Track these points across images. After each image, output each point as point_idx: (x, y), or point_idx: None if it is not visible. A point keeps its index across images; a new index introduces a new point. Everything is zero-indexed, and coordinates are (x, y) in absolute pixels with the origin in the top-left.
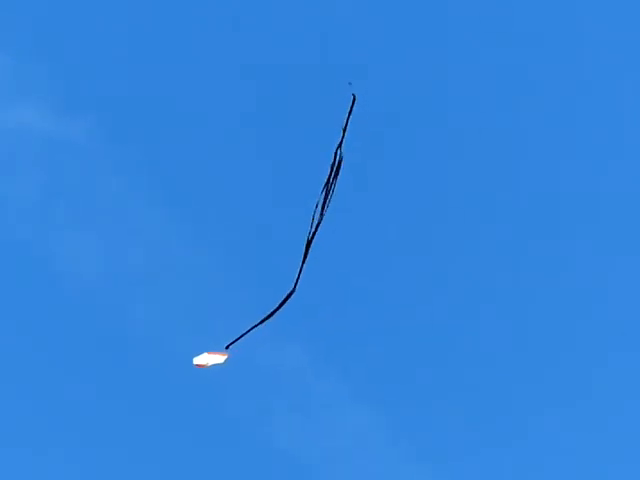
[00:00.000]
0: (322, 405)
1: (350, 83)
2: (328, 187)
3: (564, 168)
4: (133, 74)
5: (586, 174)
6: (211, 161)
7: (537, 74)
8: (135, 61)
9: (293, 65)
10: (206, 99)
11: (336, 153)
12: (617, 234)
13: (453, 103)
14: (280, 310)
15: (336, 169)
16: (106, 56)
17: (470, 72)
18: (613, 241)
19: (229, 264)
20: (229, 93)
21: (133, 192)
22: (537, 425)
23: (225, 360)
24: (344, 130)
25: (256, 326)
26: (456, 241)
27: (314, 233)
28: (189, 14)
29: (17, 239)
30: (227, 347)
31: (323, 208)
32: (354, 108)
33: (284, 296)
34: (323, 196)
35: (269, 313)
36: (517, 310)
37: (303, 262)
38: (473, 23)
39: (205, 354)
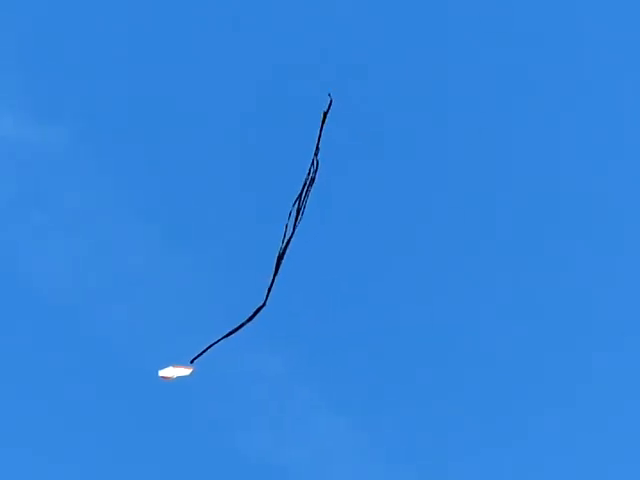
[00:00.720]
0: (301, 413)
1: (329, 94)
2: (300, 201)
3: (564, 167)
4: (117, 79)
5: (587, 174)
6: (194, 167)
7: (537, 74)
8: (119, 65)
9: (289, 66)
10: (193, 105)
11: (310, 170)
12: (617, 234)
13: (452, 104)
14: (248, 323)
15: (309, 183)
16: (87, 62)
17: (471, 73)
18: (613, 241)
19: (202, 276)
20: (222, 96)
21: (112, 200)
22: (537, 425)
23: (191, 373)
24: (317, 146)
25: (222, 339)
26: (441, 245)
27: (286, 246)
28: (178, 15)
29: None
30: (192, 361)
31: (296, 220)
32: (326, 123)
33: (254, 309)
34: (296, 208)
35: (237, 326)
36: (515, 310)
37: (274, 275)
38: (473, 23)
39: (170, 367)
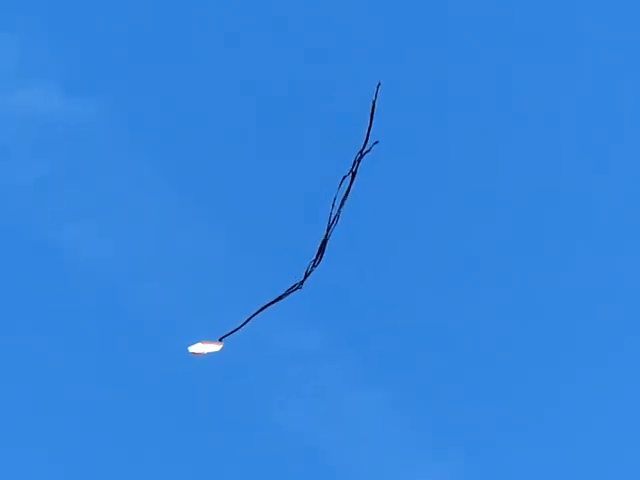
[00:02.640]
0: (337, 391)
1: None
2: (353, 175)
3: (564, 168)
4: (144, 56)
5: (587, 174)
6: (224, 152)
7: (538, 75)
8: (145, 43)
9: (294, 71)
10: (222, 86)
11: (361, 151)
12: (617, 234)
13: (453, 105)
14: (280, 301)
15: (357, 165)
16: (116, 36)
17: (471, 74)
18: (613, 241)
19: (241, 255)
20: (241, 88)
21: (143, 175)
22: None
23: (221, 349)
24: (368, 130)
25: (253, 317)
26: (462, 235)
27: (329, 229)
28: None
29: (25, 224)
30: (221, 339)
31: (341, 205)
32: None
33: (289, 288)
34: (343, 193)
35: (268, 303)
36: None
37: (316, 259)
38: (474, 23)
39: (199, 343)
